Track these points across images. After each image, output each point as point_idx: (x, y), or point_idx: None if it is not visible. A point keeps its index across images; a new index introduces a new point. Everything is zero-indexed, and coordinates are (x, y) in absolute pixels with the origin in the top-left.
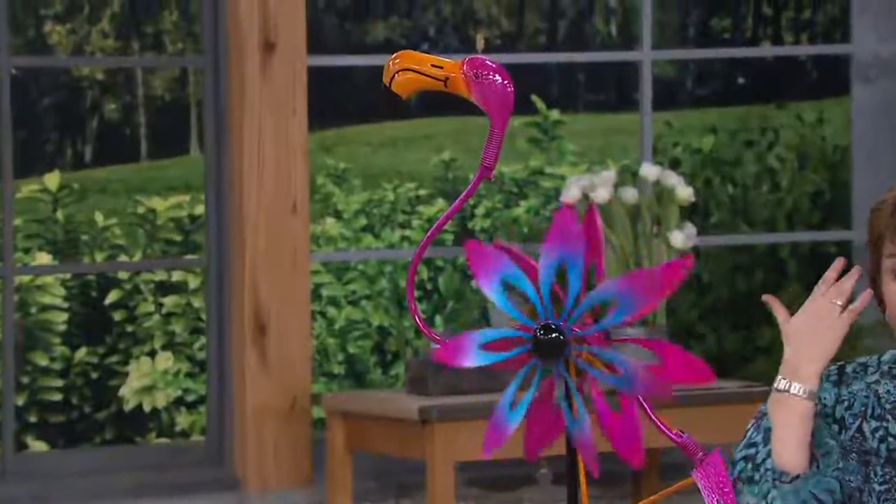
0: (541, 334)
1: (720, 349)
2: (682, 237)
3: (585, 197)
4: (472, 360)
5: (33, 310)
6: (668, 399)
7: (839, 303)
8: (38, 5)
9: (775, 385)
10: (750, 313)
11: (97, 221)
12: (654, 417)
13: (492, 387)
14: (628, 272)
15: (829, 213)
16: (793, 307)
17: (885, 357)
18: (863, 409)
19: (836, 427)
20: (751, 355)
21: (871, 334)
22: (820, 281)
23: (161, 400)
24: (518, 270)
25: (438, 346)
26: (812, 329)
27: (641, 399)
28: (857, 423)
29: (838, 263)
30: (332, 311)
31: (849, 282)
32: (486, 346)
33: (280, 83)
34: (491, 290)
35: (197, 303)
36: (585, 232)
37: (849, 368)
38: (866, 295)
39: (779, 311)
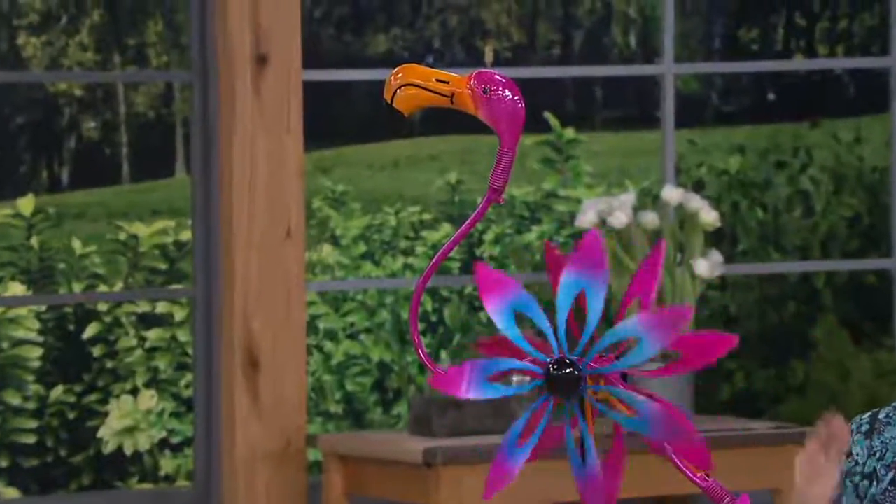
0: (554, 369)
1: (749, 387)
2: (707, 266)
3: (603, 222)
4: (475, 390)
5: (5, 344)
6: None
7: (828, 450)
8: (11, 15)
9: None
10: (781, 349)
11: (75, 249)
12: (677, 460)
13: (502, 427)
14: (654, 309)
15: (867, 239)
16: (829, 342)
17: None
18: (895, 458)
19: (866, 483)
20: (782, 394)
21: None
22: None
23: (144, 442)
24: (530, 299)
25: (436, 374)
26: (808, 481)
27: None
28: (891, 474)
29: (830, 420)
30: (328, 345)
31: (833, 425)
32: (493, 378)
33: (273, 99)
34: (500, 320)
35: (183, 336)
36: (651, 263)
37: (882, 414)
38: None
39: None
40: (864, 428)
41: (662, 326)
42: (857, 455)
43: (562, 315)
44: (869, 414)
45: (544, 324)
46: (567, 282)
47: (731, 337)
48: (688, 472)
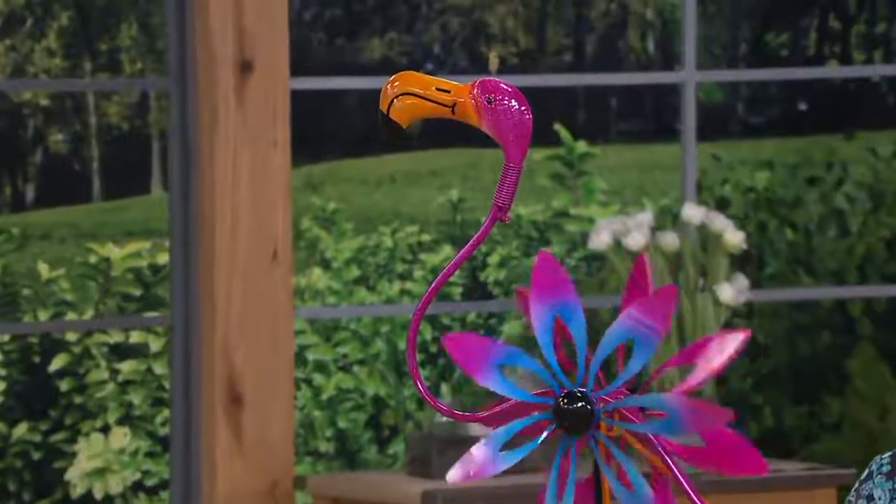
0: (564, 403)
1: (779, 425)
2: (731, 291)
3: (618, 243)
4: (499, 464)
5: None
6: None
7: None
8: None
9: None
10: (814, 383)
11: (41, 273)
12: (698, 502)
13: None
14: (689, 398)
15: None
16: (866, 376)
17: None
18: None
19: None
20: (815, 433)
21: None
22: None
23: (116, 484)
24: (514, 349)
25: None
26: None
27: (685, 483)
28: None
29: None
30: (319, 378)
31: None
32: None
33: (258, 109)
34: (492, 383)
35: (159, 369)
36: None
37: None
38: None
39: None
40: (886, 469)
41: (698, 418)
42: (880, 499)
43: (580, 345)
44: (890, 454)
45: (536, 366)
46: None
47: (764, 465)
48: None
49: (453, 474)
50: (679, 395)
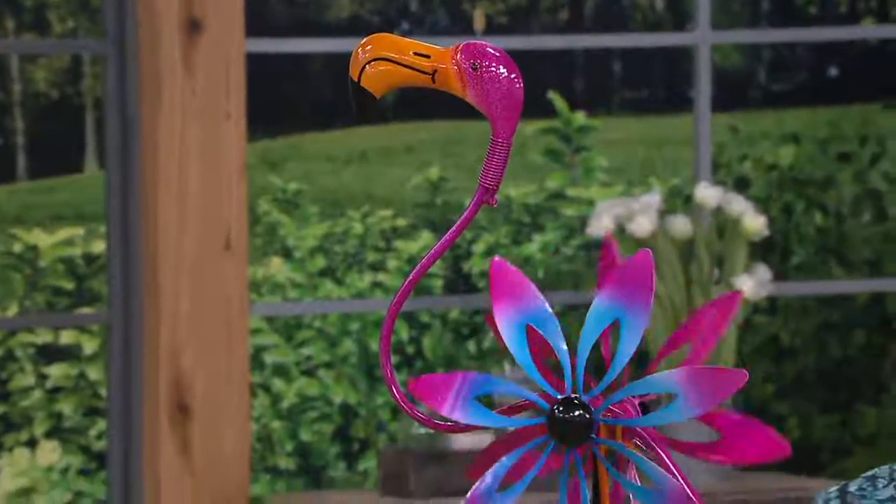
0: (559, 411)
1: (806, 437)
2: (752, 284)
3: (621, 229)
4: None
5: None
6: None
7: None
8: None
9: None
10: (847, 389)
11: None
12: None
13: None
14: (693, 366)
15: None
16: None
17: None
18: None
19: None
20: (848, 446)
21: None
22: None
23: None
24: (484, 376)
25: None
26: None
27: (684, 483)
28: None
29: None
30: (278, 383)
31: None
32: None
33: (209, 76)
34: (469, 418)
35: (94, 374)
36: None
37: (852, 487)
38: None
39: None
40: (833, 502)
41: (708, 389)
42: None
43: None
44: (836, 488)
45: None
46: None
47: (784, 445)
48: None
49: None
50: (680, 370)
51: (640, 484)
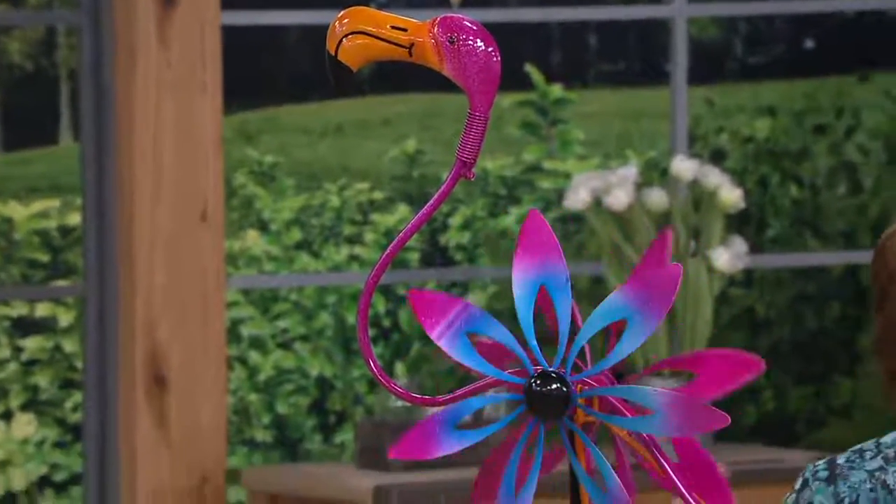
0: (536, 385)
1: (781, 408)
2: (728, 257)
3: (598, 202)
4: (446, 446)
5: None
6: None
7: None
8: None
9: None
10: (821, 361)
11: None
12: (689, 498)
13: (470, 458)
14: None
15: None
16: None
17: (887, 440)
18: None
19: None
20: (823, 417)
21: None
22: None
23: (19, 480)
24: (485, 313)
25: (401, 442)
26: None
27: (675, 477)
28: None
29: None
30: (255, 356)
31: None
32: (464, 424)
33: (185, 48)
34: (454, 350)
35: (70, 346)
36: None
37: (841, 459)
38: None
39: None
40: (823, 475)
41: (655, 296)
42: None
43: (525, 321)
44: (824, 461)
45: (508, 338)
46: (522, 279)
47: (757, 363)
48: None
49: (395, 451)
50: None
51: (588, 474)
